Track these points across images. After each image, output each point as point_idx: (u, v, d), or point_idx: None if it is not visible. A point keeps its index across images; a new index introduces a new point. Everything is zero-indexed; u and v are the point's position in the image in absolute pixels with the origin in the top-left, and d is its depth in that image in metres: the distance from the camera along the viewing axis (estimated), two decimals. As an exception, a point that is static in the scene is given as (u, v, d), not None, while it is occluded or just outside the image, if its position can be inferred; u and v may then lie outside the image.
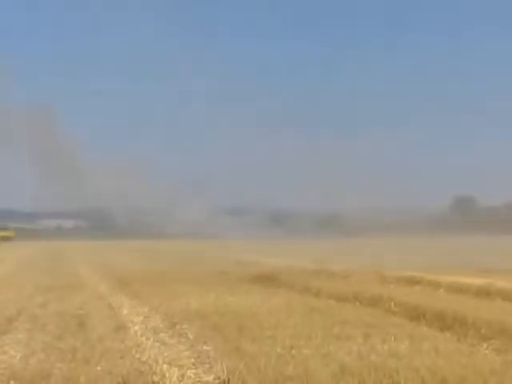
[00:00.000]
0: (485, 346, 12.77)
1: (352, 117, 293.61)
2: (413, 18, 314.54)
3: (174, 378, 10.42)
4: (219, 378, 10.24)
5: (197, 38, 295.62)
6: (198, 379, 10.37)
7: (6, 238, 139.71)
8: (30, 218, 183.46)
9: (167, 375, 10.61)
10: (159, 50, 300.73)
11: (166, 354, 12.37)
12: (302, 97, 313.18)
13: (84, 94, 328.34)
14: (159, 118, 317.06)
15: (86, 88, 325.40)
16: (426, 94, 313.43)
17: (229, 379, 10.10)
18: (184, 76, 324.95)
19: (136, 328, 15.69)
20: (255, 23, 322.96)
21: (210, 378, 10.38)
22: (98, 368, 11.09)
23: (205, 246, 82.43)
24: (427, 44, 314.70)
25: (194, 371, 10.90)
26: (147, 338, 14.24)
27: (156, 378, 10.37)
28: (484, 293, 21.93)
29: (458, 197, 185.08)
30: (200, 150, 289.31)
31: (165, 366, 11.25)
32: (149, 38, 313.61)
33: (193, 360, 11.78)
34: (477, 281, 25.49)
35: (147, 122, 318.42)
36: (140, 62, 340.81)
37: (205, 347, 12.82)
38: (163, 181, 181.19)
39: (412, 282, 26.62)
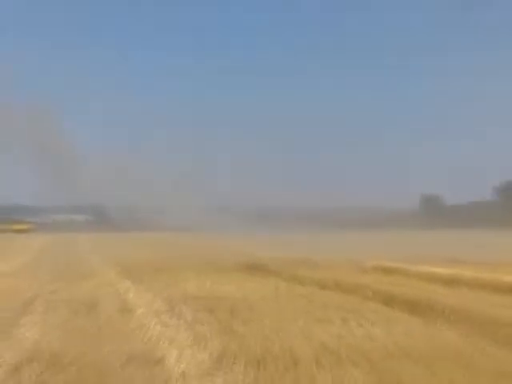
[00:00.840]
0: (451, 330, 12.91)
1: (327, 122, 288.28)
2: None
3: (174, 356, 10.54)
4: (214, 356, 10.37)
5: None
6: (194, 356, 10.49)
7: (23, 231, 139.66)
8: (39, 212, 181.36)
9: (168, 353, 10.75)
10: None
11: (166, 334, 12.50)
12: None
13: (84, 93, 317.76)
14: (157, 117, 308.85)
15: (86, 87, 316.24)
16: (391, 101, 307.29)
17: (222, 356, 10.22)
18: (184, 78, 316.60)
19: (140, 311, 15.79)
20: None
21: (206, 355, 10.51)
22: (106, 347, 11.20)
23: (199, 239, 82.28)
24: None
25: (191, 349, 11.03)
26: (150, 320, 14.35)
27: (158, 355, 10.50)
28: (451, 282, 22.07)
29: (426, 196, 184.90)
30: (195, 152, 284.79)
31: (165, 345, 11.37)
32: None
33: (190, 339, 11.91)
34: (445, 271, 25.64)
35: (146, 121, 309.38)
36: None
37: (201, 328, 12.96)
38: (160, 179, 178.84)
39: (387, 271, 26.75)
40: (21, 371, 9.75)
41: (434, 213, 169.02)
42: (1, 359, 10.56)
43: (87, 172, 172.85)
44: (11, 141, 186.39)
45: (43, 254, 49.29)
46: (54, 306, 16.72)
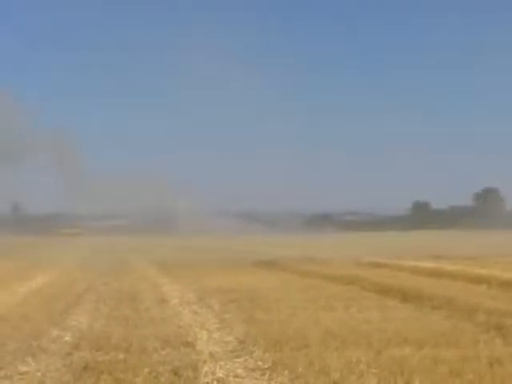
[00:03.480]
0: (436, 313, 12.81)
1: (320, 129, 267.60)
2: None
3: (204, 339, 10.50)
4: (237, 339, 10.31)
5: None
6: (221, 340, 10.44)
7: (73, 234, 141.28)
8: (84, 219, 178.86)
9: (198, 336, 10.70)
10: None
11: (197, 321, 12.45)
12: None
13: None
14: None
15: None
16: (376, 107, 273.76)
17: (244, 339, 10.18)
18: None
19: (174, 301, 15.75)
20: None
21: (231, 338, 10.46)
22: (146, 331, 11.16)
23: (216, 242, 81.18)
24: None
25: (218, 333, 10.98)
26: (183, 309, 14.32)
27: (190, 339, 10.45)
28: (435, 274, 21.94)
29: (416, 202, 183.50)
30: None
31: (196, 330, 11.34)
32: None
33: (217, 325, 11.85)
34: (430, 265, 25.53)
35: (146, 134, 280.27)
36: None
37: (226, 315, 12.89)
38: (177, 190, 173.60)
39: (381, 266, 26.64)
40: (79, 348, 9.79)
41: (422, 216, 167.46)
42: (63, 339, 10.66)
43: (115, 185, 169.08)
44: (53, 160, 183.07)
45: (93, 253, 49.50)
46: (103, 297, 16.73)
